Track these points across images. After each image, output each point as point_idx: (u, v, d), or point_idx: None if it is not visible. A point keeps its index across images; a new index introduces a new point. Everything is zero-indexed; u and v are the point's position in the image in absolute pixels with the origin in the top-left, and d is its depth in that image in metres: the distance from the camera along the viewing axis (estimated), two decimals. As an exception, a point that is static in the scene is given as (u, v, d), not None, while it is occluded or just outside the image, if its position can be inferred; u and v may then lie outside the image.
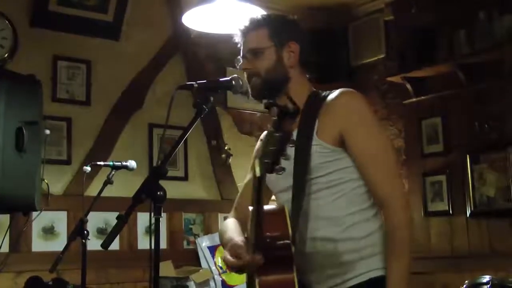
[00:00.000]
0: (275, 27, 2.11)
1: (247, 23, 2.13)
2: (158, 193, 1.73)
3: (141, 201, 1.72)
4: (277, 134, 1.65)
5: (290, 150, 1.96)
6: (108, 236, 1.73)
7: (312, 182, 1.99)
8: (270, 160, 1.67)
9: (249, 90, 2.10)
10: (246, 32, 2.13)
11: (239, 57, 2.13)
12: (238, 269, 1.92)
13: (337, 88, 2.07)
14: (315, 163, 1.97)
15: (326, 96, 2.06)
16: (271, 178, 2.07)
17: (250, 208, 1.91)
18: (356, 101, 2.03)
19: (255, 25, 2.12)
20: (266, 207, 1.95)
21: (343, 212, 1.98)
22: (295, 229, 1.91)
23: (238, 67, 2.13)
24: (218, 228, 4.51)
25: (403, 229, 1.94)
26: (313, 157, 1.97)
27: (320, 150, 1.98)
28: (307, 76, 2.16)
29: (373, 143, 1.99)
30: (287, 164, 1.95)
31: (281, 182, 2.05)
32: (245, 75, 2.11)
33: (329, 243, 1.97)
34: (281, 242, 1.83)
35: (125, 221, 1.72)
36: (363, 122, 1.99)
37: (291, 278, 1.82)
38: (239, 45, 2.15)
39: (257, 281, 1.85)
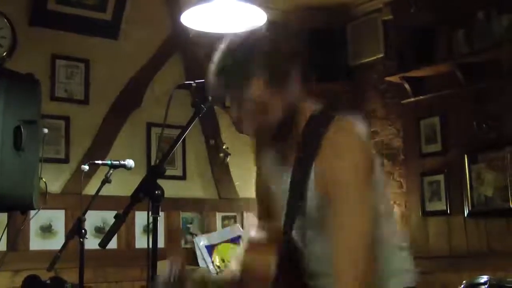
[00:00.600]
0: (270, 66, 1.66)
1: (229, 74, 1.68)
2: (156, 192, 1.73)
3: (139, 200, 1.72)
4: None
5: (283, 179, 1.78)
6: (106, 235, 1.73)
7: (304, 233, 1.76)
8: None
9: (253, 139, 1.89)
10: (233, 86, 1.69)
11: (232, 113, 1.77)
12: None
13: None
14: (309, 216, 1.71)
15: (323, 132, 1.66)
16: (275, 196, 1.89)
17: (251, 233, 1.79)
18: (348, 152, 1.64)
19: (243, 74, 1.66)
20: (257, 234, 1.83)
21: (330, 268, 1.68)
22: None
23: (235, 125, 1.86)
24: (216, 227, 4.52)
25: None
26: (308, 209, 1.71)
27: (317, 203, 1.69)
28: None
29: (349, 205, 1.63)
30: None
31: (279, 201, 1.85)
32: (243, 130, 1.78)
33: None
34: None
35: (123, 220, 1.72)
36: (347, 185, 1.63)
37: None
38: (220, 93, 1.76)
39: None
